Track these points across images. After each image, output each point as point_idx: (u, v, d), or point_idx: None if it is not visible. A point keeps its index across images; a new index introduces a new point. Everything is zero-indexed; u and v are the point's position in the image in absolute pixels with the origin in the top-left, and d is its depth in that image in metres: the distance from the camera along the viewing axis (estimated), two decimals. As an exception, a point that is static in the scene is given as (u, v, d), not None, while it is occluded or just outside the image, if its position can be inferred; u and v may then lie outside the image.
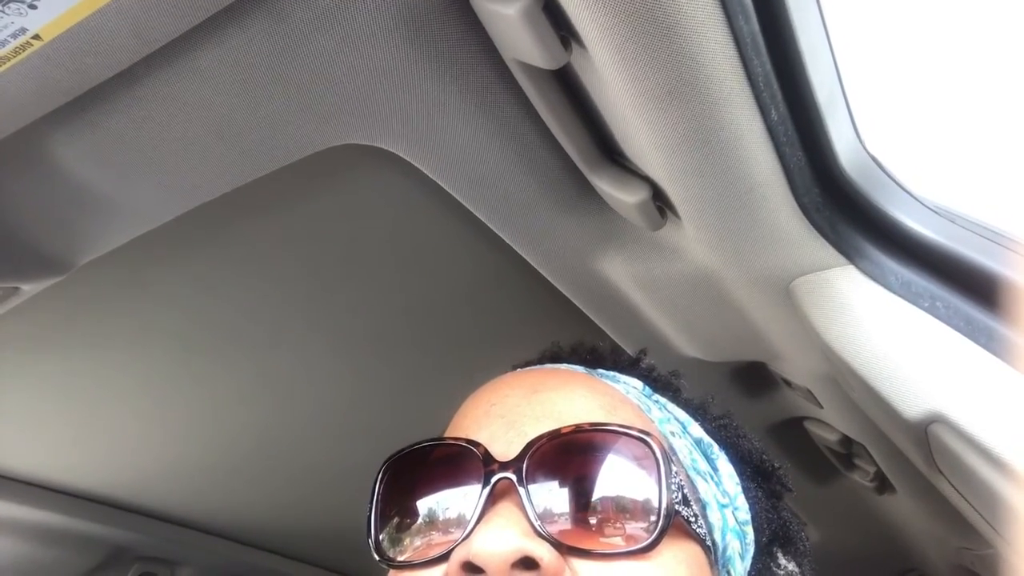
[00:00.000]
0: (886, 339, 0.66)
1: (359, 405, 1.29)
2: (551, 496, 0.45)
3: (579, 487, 0.46)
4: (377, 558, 0.49)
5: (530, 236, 0.85)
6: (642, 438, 0.47)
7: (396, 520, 0.49)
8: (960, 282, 0.62)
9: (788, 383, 1.07)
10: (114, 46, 0.53)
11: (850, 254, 0.70)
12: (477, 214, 0.82)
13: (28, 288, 0.80)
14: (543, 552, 0.42)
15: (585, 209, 0.81)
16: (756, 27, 0.54)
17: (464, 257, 0.99)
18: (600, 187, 0.75)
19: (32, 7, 0.47)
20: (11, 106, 0.58)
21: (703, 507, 0.51)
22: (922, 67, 0.68)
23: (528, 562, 0.42)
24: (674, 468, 0.48)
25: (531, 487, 0.45)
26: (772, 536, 0.58)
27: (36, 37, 0.50)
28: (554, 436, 0.47)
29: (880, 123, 0.67)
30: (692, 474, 0.53)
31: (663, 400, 0.60)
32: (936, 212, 0.66)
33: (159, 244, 0.84)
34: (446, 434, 0.54)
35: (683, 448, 0.54)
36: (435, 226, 0.94)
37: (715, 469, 0.56)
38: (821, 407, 1.04)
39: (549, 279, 0.93)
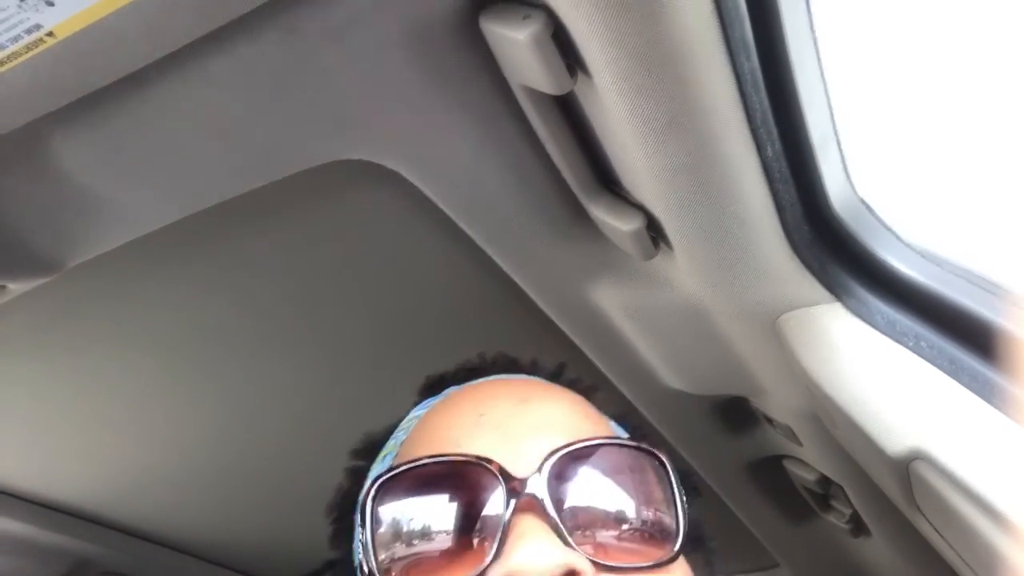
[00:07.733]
0: (870, 376, 0.67)
1: (338, 423, 1.27)
2: (574, 511, 0.45)
3: (601, 501, 0.46)
4: None
5: (522, 259, 0.86)
6: (654, 452, 0.48)
7: (399, 544, 0.45)
8: (945, 323, 0.63)
9: (769, 420, 1.07)
10: (126, 48, 0.54)
11: (837, 292, 0.71)
12: (471, 235, 0.82)
13: (14, 287, 0.78)
14: (585, 564, 0.42)
15: (579, 236, 0.82)
16: (756, 64, 0.56)
17: (455, 278, 1.00)
18: (595, 215, 0.76)
19: (50, 4, 0.48)
20: (16, 102, 0.58)
21: None
22: (908, 112, 0.71)
23: None
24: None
25: (556, 503, 0.44)
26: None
27: (50, 34, 0.51)
28: (569, 449, 0.46)
29: (869, 165, 0.69)
30: None
31: None
32: (922, 255, 0.67)
33: (146, 250, 0.84)
34: (422, 441, 0.52)
35: None
36: (427, 246, 0.94)
37: None
38: (801, 445, 1.05)
39: (538, 303, 0.93)
